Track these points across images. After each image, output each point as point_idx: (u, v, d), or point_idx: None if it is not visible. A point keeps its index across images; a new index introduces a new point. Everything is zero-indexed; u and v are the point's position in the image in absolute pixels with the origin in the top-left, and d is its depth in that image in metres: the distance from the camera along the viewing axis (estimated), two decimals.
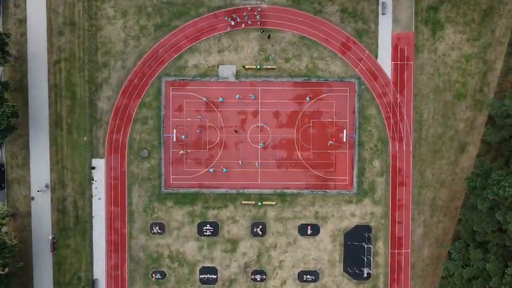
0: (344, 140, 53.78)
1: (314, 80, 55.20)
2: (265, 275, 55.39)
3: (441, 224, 55.38)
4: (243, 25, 54.30)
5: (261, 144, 54.72)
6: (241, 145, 55.41)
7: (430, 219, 55.39)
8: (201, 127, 55.44)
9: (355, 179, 55.50)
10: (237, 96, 54.81)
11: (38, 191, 54.37)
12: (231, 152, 55.49)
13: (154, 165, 55.37)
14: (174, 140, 53.73)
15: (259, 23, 54.17)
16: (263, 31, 54.21)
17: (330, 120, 55.38)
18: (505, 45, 54.33)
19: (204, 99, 54.83)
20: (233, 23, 54.18)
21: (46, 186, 54.46)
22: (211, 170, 55.02)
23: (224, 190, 55.60)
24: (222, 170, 55.05)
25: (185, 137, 55.36)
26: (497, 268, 44.22)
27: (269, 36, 54.13)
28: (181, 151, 54.87)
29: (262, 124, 54.94)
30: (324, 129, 55.42)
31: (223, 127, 55.40)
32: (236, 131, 54.78)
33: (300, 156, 55.53)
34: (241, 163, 55.08)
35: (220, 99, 54.81)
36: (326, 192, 55.55)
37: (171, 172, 55.60)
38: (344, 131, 53.68)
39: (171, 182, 55.69)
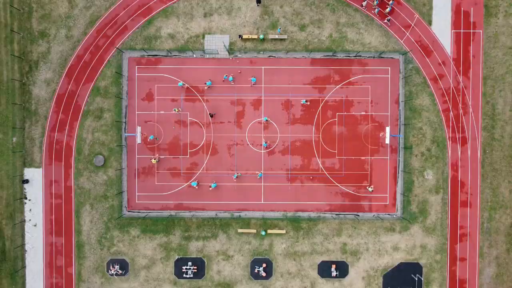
0: (387, 142, 37.12)
1: (341, 56, 38.67)
2: None
3: None
4: None
5: (264, 144, 38.18)
6: (236, 149, 38.89)
7: (506, 255, 38.82)
8: (179, 124, 38.95)
9: (399, 197, 38.95)
10: (231, 78, 38.30)
11: None
12: (222, 159, 38.97)
13: (112, 177, 38.85)
14: (139, 141, 37.10)
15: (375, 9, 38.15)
16: None
17: (364, 113, 38.82)
18: None
19: (181, 83, 38.23)
20: None
21: None
22: (194, 184, 38.40)
23: (213, 213, 39.07)
24: (210, 185, 38.49)
25: (156, 137, 38.85)
26: None
27: (259, 1, 37.60)
28: (154, 159, 38.30)
29: (265, 118, 38.42)
30: (355, 126, 38.87)
31: (211, 123, 38.87)
32: (211, 115, 38.26)
33: (321, 165, 38.98)
34: (237, 175, 38.54)
35: (208, 83, 38.29)
36: (358, 216, 39.03)
37: (137, 187, 39.07)
38: (387, 129, 37.02)
39: (136, 201, 39.16)
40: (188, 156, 38.95)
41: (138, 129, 36.65)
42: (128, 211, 39.15)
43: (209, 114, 38.18)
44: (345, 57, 38.69)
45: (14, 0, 38.31)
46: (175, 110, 38.23)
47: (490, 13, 38.32)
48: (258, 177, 38.52)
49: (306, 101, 38.16)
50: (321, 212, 39.07)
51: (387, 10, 37.66)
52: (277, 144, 38.88)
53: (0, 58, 38.50)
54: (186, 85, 38.39)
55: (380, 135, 38.42)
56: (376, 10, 37.70)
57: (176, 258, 38.84)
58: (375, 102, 38.81)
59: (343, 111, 38.87)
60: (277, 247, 38.79)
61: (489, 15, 38.33)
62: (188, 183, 38.84)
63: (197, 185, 38.46)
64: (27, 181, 38.67)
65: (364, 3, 37.82)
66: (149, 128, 38.75)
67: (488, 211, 38.69)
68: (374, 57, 38.64)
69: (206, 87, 38.32)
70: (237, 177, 38.28)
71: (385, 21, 38.07)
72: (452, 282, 38.83)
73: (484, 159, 38.64)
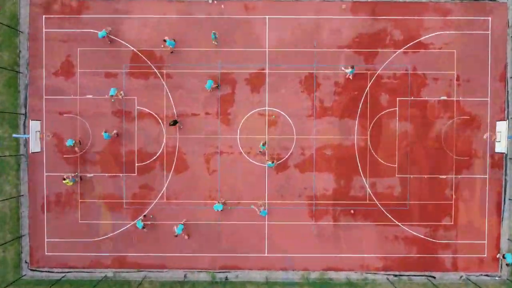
0: (500, 150, 20.41)
1: None
2: None
3: None
4: None
5: (269, 164, 21.37)
6: (220, 161, 22.14)
7: None
8: (120, 117, 22.26)
9: (505, 245, 22.29)
10: (213, 36, 21.47)
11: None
12: (195, 180, 22.26)
13: (4, 211, 22.26)
14: (36, 149, 20.31)
15: None
16: None
17: (444, 97, 22.12)
18: None
19: (102, 33, 21.44)
20: None
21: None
22: (140, 224, 21.49)
23: (181, 274, 22.34)
24: (175, 228, 21.54)
25: (80, 140, 22.11)
26: None
27: None
28: (66, 178, 21.32)
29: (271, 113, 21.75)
30: (429, 120, 22.21)
31: (177, 115, 22.13)
32: (173, 123, 21.28)
33: (369, 190, 22.24)
34: (221, 206, 21.65)
35: (169, 42, 21.41)
36: (434, 278, 22.35)
37: (47, 228, 22.34)
38: (499, 125, 20.30)
39: (46, 253, 22.42)
40: (135, 173, 22.21)
41: (33, 124, 19.72)
42: (32, 270, 22.44)
43: (169, 122, 21.26)
44: (411, 0, 22.00)
45: None
46: (112, 93, 21.35)
47: None
48: (262, 215, 21.70)
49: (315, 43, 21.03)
50: (369, 271, 22.35)
51: None
52: (291, 153, 22.18)
53: None
54: (133, 48, 21.64)
55: (484, 137, 21.64)
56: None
57: None
58: (464, 79, 22.10)
59: (408, 94, 22.14)
60: None
61: None
62: (133, 222, 22.13)
63: (144, 226, 21.63)
64: None
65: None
66: (65, 125, 22.03)
67: None
68: (461, 0, 22.02)
69: (165, 47, 21.54)
70: (221, 209, 21.42)
71: None
72: None
73: None
